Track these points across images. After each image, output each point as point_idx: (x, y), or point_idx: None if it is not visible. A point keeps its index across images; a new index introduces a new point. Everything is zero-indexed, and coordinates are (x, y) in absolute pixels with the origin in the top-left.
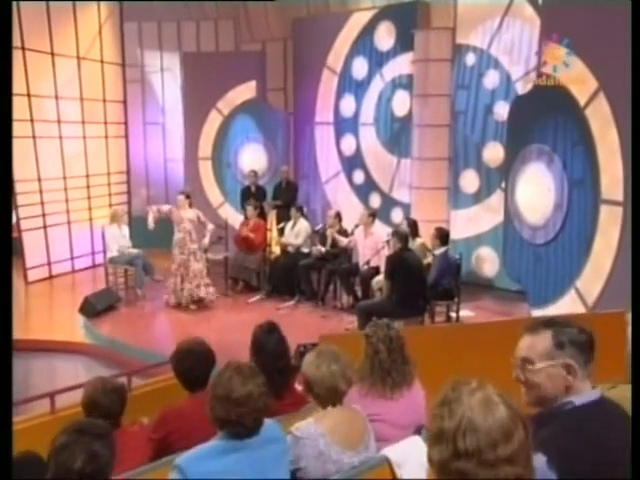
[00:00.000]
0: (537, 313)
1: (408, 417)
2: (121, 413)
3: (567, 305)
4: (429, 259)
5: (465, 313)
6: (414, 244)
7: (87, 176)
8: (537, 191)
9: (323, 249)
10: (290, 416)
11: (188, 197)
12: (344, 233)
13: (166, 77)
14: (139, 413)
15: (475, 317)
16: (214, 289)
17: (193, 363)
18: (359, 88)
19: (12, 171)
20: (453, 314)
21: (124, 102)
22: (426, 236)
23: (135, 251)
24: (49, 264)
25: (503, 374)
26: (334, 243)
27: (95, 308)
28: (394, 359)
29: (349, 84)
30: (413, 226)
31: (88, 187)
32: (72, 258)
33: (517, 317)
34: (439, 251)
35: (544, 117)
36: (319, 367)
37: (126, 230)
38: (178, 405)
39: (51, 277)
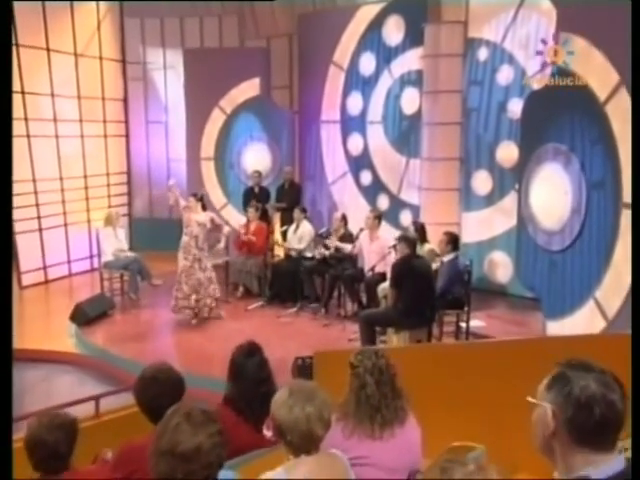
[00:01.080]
0: (552, 325)
1: (400, 459)
2: (69, 454)
3: (585, 317)
4: (437, 265)
5: (476, 323)
6: (422, 250)
7: (85, 177)
8: (553, 194)
9: (327, 252)
10: (272, 449)
11: (201, 199)
12: (349, 237)
13: (169, 75)
14: (111, 442)
15: (487, 327)
16: (220, 303)
17: (158, 392)
18: (366, 85)
19: (11, 173)
20: (463, 324)
21: (124, 100)
22: (436, 240)
23: (131, 255)
24: (44, 268)
25: (515, 405)
26: (337, 249)
27: (87, 315)
28: (384, 393)
29: (356, 81)
30: (421, 231)
31: (86, 188)
32: (69, 261)
33: (532, 336)
34: (449, 257)
35: (561, 114)
36: (292, 409)
37: (122, 233)
38: (141, 440)
39: (47, 281)
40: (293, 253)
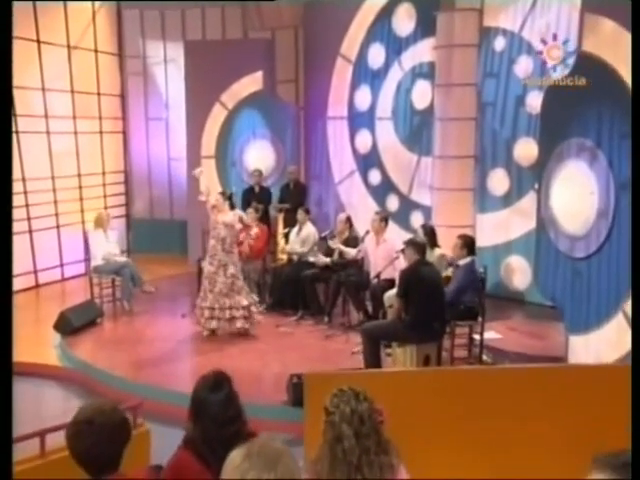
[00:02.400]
0: (576, 340)
1: None
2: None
3: (613, 332)
4: (449, 272)
5: (491, 335)
6: (432, 255)
7: (79, 176)
8: (577, 194)
9: (328, 259)
10: None
11: (229, 198)
12: (355, 240)
13: (170, 69)
14: None
15: (503, 340)
16: (256, 312)
17: (94, 440)
18: (375, 78)
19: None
20: (477, 336)
21: (121, 96)
22: (449, 243)
23: (122, 259)
24: (35, 272)
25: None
26: (340, 254)
27: (72, 324)
28: (365, 448)
29: (365, 74)
30: (431, 234)
31: (80, 188)
32: (62, 265)
33: (555, 365)
34: (464, 261)
35: (586, 106)
36: (244, 476)
37: (113, 235)
38: None
39: (37, 286)
40: (295, 257)
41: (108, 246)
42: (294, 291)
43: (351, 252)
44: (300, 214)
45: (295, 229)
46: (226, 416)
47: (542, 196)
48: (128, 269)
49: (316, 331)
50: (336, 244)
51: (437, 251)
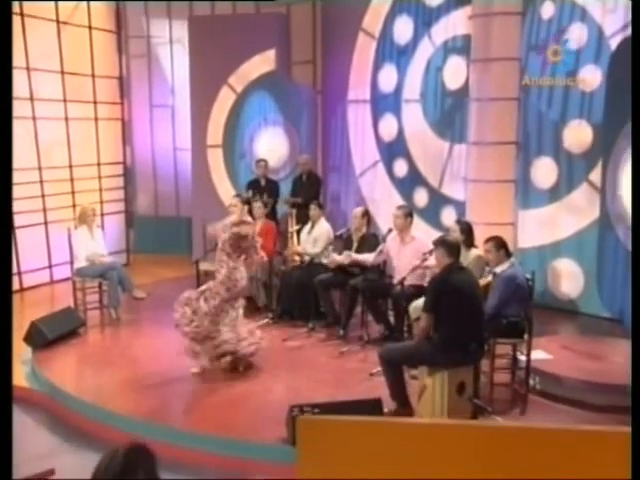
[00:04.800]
0: None
1: None
2: None
3: None
4: (489, 278)
5: (539, 355)
6: (467, 257)
7: (70, 166)
8: None
9: (342, 258)
10: None
11: (248, 202)
12: (374, 238)
13: (176, 50)
14: None
15: (555, 361)
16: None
17: None
18: (402, 56)
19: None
20: (522, 357)
21: (119, 78)
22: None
23: (108, 260)
24: (19, 274)
25: None
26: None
27: (45, 336)
28: None
29: (390, 51)
30: (468, 232)
31: (72, 180)
32: (50, 266)
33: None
34: (503, 267)
35: None
36: None
37: (99, 234)
38: None
39: (22, 290)
40: (306, 258)
41: (93, 245)
42: (304, 298)
43: (368, 258)
44: (313, 209)
45: (307, 227)
46: None
47: (608, 188)
48: (115, 272)
49: (329, 346)
50: (348, 259)
51: (474, 252)
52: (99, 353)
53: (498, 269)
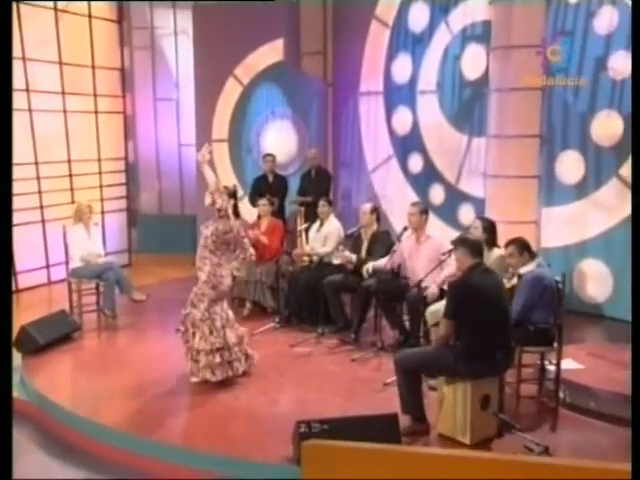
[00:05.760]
0: None
1: None
2: None
3: None
4: (513, 280)
5: (569, 365)
6: (490, 258)
7: (69, 162)
8: None
9: (353, 256)
10: None
11: (233, 195)
12: (386, 236)
13: (180, 42)
14: None
15: (586, 370)
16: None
17: None
18: (417, 44)
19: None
20: (550, 366)
21: (121, 70)
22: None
23: (105, 261)
24: (15, 274)
25: None
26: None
27: (36, 342)
28: None
29: (404, 40)
30: (490, 230)
31: (70, 176)
32: (47, 266)
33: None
34: (528, 268)
35: None
36: None
37: (96, 233)
38: None
39: (18, 291)
40: (315, 258)
41: (89, 245)
42: (313, 301)
43: (379, 264)
44: (322, 206)
45: (316, 225)
46: None
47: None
48: (112, 272)
49: (340, 352)
50: (367, 272)
51: (496, 252)
52: (94, 360)
53: (523, 270)
